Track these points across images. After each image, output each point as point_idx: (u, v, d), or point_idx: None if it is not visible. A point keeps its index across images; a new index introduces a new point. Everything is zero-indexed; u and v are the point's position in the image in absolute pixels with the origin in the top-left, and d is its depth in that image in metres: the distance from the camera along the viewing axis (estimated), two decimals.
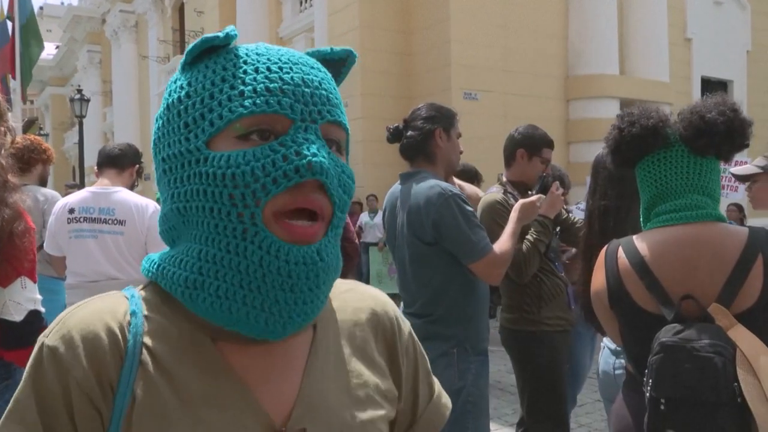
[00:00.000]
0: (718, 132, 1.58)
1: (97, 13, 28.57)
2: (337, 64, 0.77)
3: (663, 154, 1.67)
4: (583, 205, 3.75)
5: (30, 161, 3.56)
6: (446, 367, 2.34)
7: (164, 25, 22.93)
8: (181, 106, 0.69)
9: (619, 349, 2.39)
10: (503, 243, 2.39)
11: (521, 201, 2.54)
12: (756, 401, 1.39)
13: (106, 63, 28.59)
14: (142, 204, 2.93)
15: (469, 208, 2.35)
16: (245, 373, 0.70)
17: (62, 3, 49.15)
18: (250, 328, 0.67)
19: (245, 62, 0.68)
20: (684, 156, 1.65)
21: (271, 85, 0.66)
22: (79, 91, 17.66)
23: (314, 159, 0.64)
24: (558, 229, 3.00)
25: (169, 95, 0.71)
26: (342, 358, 0.77)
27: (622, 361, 2.36)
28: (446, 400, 0.90)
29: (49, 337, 0.67)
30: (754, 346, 1.44)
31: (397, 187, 2.58)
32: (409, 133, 2.51)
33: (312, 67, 0.71)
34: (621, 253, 1.69)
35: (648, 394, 1.49)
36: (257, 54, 0.69)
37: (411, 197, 2.40)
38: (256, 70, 0.67)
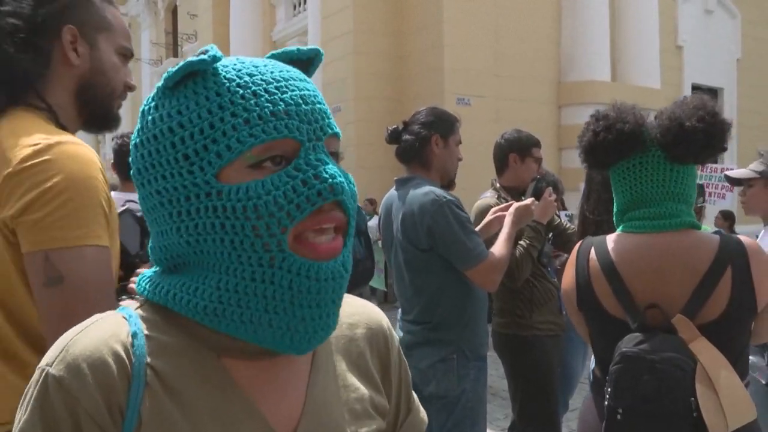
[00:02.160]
0: (697, 140, 1.55)
1: None
2: (305, 63, 0.76)
3: (639, 159, 1.63)
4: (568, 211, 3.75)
5: None
6: (446, 373, 2.33)
7: (157, 28, 22.87)
8: (175, 138, 0.66)
9: None
10: (499, 248, 2.37)
11: (515, 204, 2.53)
12: (711, 414, 1.38)
13: None
14: None
15: (464, 214, 2.34)
16: (250, 387, 0.70)
17: None
18: (275, 346, 0.68)
19: (239, 85, 0.66)
20: (660, 162, 1.61)
21: (275, 109, 0.65)
22: None
23: (334, 181, 0.65)
24: (551, 234, 3.01)
25: (154, 124, 0.67)
26: (340, 372, 0.78)
27: None
28: (423, 415, 0.91)
29: (53, 366, 0.64)
30: (715, 360, 1.43)
31: (393, 192, 2.57)
32: (406, 136, 2.49)
33: (302, 80, 0.70)
34: (593, 254, 1.67)
35: (606, 403, 1.48)
36: (248, 75, 0.67)
37: (405, 204, 2.40)
38: (255, 94, 0.65)
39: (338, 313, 0.71)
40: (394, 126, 2.57)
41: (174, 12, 21.98)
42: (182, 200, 0.66)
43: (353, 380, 0.78)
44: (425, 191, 2.35)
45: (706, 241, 1.57)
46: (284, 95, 0.66)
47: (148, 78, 22.25)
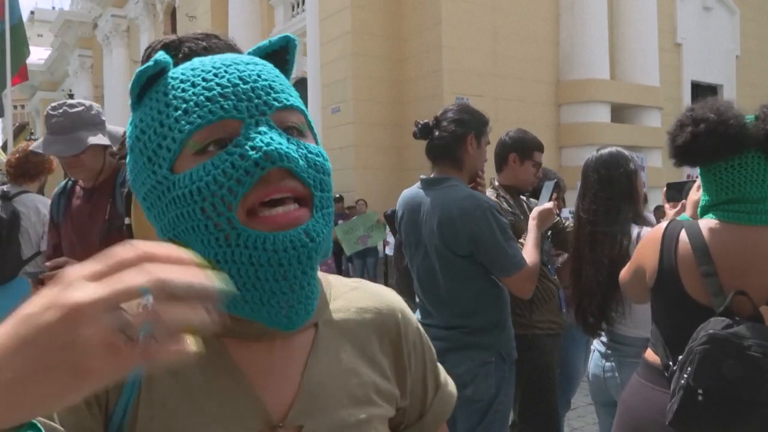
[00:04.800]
0: None
1: (89, 17, 28.48)
2: (281, 53, 0.76)
3: (738, 160, 1.61)
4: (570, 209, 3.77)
5: (41, 171, 3.64)
6: (485, 377, 2.32)
7: (156, 30, 22.88)
8: (140, 143, 0.69)
9: (609, 352, 2.40)
10: (531, 255, 2.34)
11: (537, 208, 2.50)
12: None
13: (97, 68, 28.50)
14: None
15: (505, 221, 2.31)
16: (247, 368, 0.71)
17: (53, 7, 49.02)
18: (259, 319, 0.68)
19: (181, 81, 0.68)
20: (761, 164, 1.59)
21: (210, 93, 0.66)
22: (71, 95, 17.63)
23: (269, 148, 0.64)
24: (549, 233, 3.01)
25: (129, 137, 0.72)
26: (343, 357, 0.78)
27: (613, 364, 2.37)
28: (452, 388, 0.92)
29: None
30: None
31: (416, 191, 2.49)
32: (438, 133, 2.41)
33: (248, 63, 0.70)
34: (683, 236, 1.66)
35: (683, 382, 1.48)
36: (191, 69, 0.69)
37: (441, 207, 2.32)
38: (193, 85, 0.67)
39: (314, 284, 0.70)
40: (425, 121, 2.49)
41: (173, 14, 21.99)
42: (156, 200, 0.69)
43: (357, 365, 0.78)
44: (465, 195, 2.29)
45: None
46: (221, 79, 0.67)
47: None
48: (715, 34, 15.96)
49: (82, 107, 2.29)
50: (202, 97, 0.66)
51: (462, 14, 11.61)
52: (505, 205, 2.82)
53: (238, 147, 0.64)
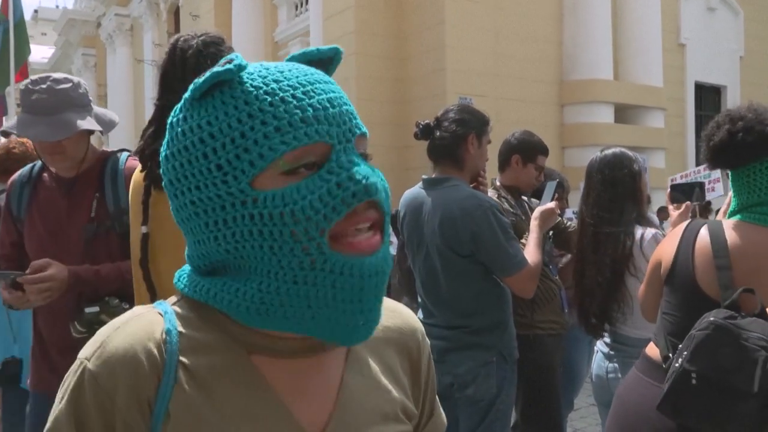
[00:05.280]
0: None
1: (92, 16, 28.53)
2: (325, 62, 0.76)
3: None
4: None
5: (23, 167, 3.57)
6: (486, 377, 2.33)
7: (159, 29, 22.92)
8: (207, 148, 0.66)
9: (612, 353, 2.40)
10: (533, 254, 2.35)
11: (539, 208, 2.51)
12: None
13: (100, 66, 28.54)
14: None
15: (506, 220, 2.31)
16: (280, 386, 0.71)
17: (57, 6, 49.13)
18: (320, 335, 0.69)
19: (266, 93, 0.66)
20: None
21: (305, 114, 0.65)
22: None
23: (368, 182, 0.65)
24: (551, 233, 3.01)
25: (184, 135, 0.68)
26: (373, 375, 0.79)
27: (616, 365, 2.37)
28: (443, 418, 0.93)
29: (90, 360, 0.68)
30: None
31: (418, 191, 2.50)
32: (439, 134, 2.42)
33: (326, 82, 0.70)
34: (704, 231, 1.68)
35: (678, 364, 1.49)
36: (275, 81, 0.67)
37: (443, 207, 2.32)
38: (283, 100, 0.66)
39: (380, 308, 0.71)
40: (426, 121, 2.50)
41: (176, 13, 22.01)
42: (218, 209, 0.67)
43: (385, 382, 0.79)
44: (466, 195, 2.30)
45: None
46: (312, 100, 0.66)
47: (150, 79, 22.30)
48: (719, 34, 15.92)
49: (70, 84, 1.95)
50: (296, 117, 0.65)
51: (465, 14, 11.60)
52: (506, 205, 2.82)
53: (332, 174, 0.65)
